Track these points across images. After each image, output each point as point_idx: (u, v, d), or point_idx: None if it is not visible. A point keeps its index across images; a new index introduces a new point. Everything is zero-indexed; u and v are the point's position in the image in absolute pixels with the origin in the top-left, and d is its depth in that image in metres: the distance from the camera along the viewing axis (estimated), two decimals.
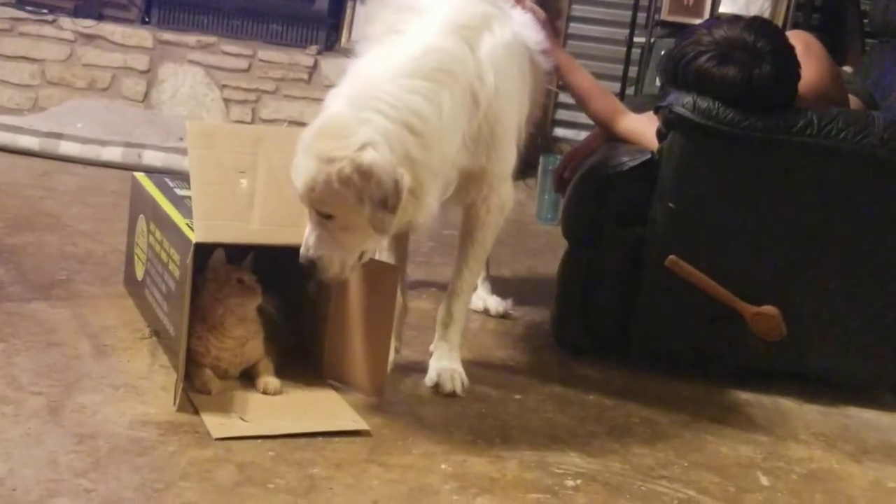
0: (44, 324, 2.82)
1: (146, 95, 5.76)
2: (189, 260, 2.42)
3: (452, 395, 2.73)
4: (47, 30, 5.74)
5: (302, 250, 2.47)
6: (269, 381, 2.59)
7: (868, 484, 2.56)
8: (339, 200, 2.39)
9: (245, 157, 2.60)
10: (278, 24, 5.84)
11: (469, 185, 2.73)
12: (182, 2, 5.86)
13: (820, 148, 2.86)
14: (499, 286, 3.54)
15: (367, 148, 2.35)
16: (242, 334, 2.59)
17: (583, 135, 4.67)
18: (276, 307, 2.67)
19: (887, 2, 4.09)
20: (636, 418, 2.76)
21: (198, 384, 2.52)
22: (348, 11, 5.85)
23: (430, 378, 2.77)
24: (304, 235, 2.47)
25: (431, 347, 2.86)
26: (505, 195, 2.80)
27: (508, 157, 2.75)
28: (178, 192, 2.88)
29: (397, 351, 2.84)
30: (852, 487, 2.53)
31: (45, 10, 5.77)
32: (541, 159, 5.01)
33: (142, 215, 2.97)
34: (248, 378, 2.62)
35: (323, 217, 2.44)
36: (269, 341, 2.67)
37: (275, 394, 2.57)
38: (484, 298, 3.44)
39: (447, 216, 3.13)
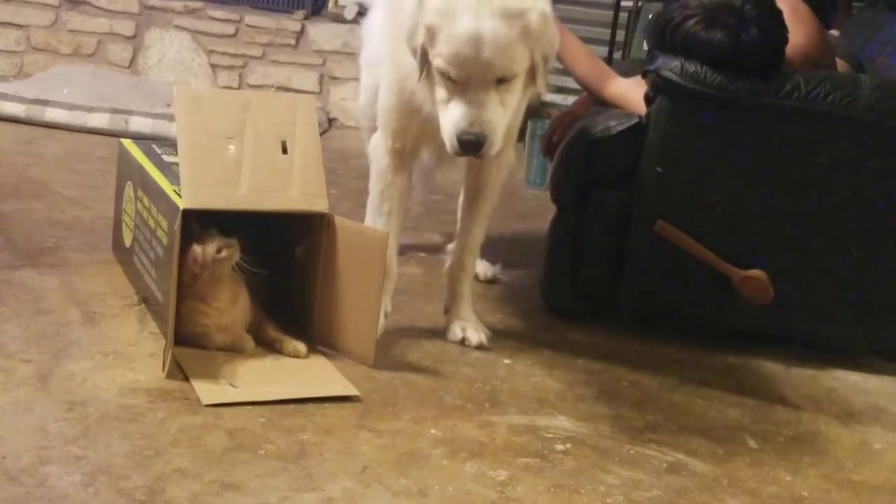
0: (32, 291, 2.82)
1: (132, 61, 5.73)
2: (177, 226, 2.41)
3: (480, 347, 2.80)
4: None
5: (465, 127, 2.40)
6: (297, 344, 2.62)
7: (855, 446, 2.58)
8: (522, 56, 2.40)
9: (233, 122, 2.59)
10: None
11: None
12: None
13: (807, 111, 2.86)
14: (487, 251, 3.53)
15: None
16: (231, 293, 2.58)
17: (570, 99, 4.66)
18: (253, 264, 2.66)
19: None
20: (625, 382, 2.77)
21: (233, 344, 2.58)
22: None
23: (454, 334, 2.85)
24: (464, 113, 2.41)
25: (446, 305, 2.91)
26: (512, 155, 2.89)
27: (520, 114, 2.77)
28: (166, 158, 2.87)
29: (385, 316, 2.85)
30: (839, 449, 2.54)
31: None
32: (529, 124, 4.99)
33: (129, 182, 2.96)
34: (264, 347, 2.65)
35: (498, 83, 2.40)
36: (256, 301, 2.68)
37: (305, 356, 2.61)
38: None
39: (435, 182, 3.15)
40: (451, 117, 2.43)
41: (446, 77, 2.43)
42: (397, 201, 2.86)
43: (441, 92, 2.47)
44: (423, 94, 2.60)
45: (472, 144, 2.42)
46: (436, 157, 2.99)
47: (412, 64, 2.55)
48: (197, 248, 2.50)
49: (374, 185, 2.86)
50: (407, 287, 3.14)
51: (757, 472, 2.37)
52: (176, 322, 2.47)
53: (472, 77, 2.39)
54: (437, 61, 2.43)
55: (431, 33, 2.43)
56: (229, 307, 2.58)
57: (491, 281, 3.40)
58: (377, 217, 2.85)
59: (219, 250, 2.53)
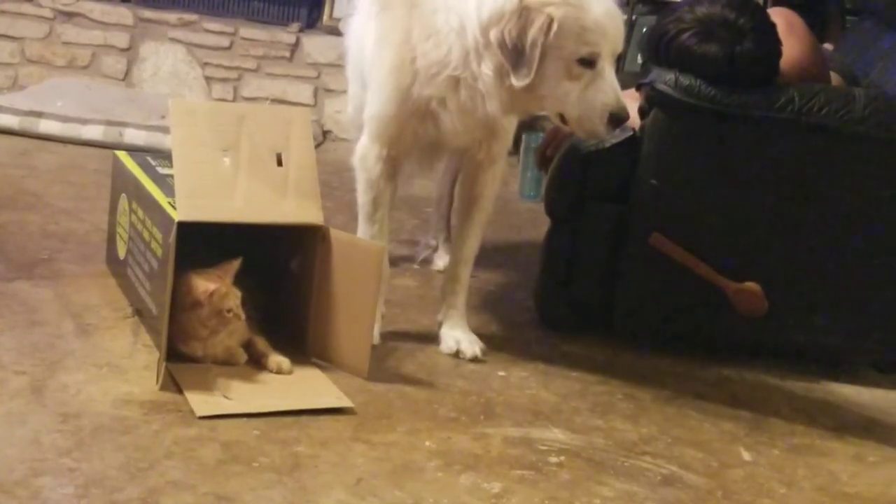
0: (26, 303, 2.82)
1: (127, 73, 5.72)
2: (172, 239, 2.41)
3: (474, 359, 2.81)
4: (26, 7, 5.68)
5: (619, 104, 2.59)
6: (281, 360, 2.59)
7: (849, 458, 2.58)
8: None
9: (228, 135, 2.59)
10: (260, 0, 5.80)
11: (491, 139, 2.85)
12: None
13: (801, 125, 2.86)
14: (480, 262, 3.53)
15: None
16: (228, 330, 2.56)
17: None
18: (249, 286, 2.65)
19: None
20: (619, 394, 2.77)
21: (226, 359, 2.57)
22: None
23: (448, 346, 2.85)
24: (613, 90, 2.58)
25: (440, 317, 2.92)
26: (504, 166, 2.95)
27: (514, 125, 2.94)
28: (160, 170, 2.87)
29: (382, 317, 2.85)
30: (834, 462, 2.55)
31: None
32: (523, 137, 4.99)
33: (124, 194, 2.96)
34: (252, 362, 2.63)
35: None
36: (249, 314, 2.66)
37: (289, 372, 2.58)
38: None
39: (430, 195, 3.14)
40: (602, 98, 2.58)
41: (576, 62, 2.56)
42: (387, 207, 2.88)
43: (566, 83, 2.58)
44: (428, 94, 2.69)
45: (622, 120, 2.62)
46: (418, 163, 3.01)
47: (426, 66, 2.66)
48: (221, 289, 2.49)
49: (366, 194, 2.86)
50: (401, 299, 3.14)
51: (751, 485, 2.37)
52: (169, 340, 2.46)
53: (607, 55, 2.57)
54: (573, 46, 2.55)
55: (561, 23, 2.52)
56: (225, 339, 2.57)
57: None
58: (372, 225, 2.86)
59: (228, 310, 2.51)
